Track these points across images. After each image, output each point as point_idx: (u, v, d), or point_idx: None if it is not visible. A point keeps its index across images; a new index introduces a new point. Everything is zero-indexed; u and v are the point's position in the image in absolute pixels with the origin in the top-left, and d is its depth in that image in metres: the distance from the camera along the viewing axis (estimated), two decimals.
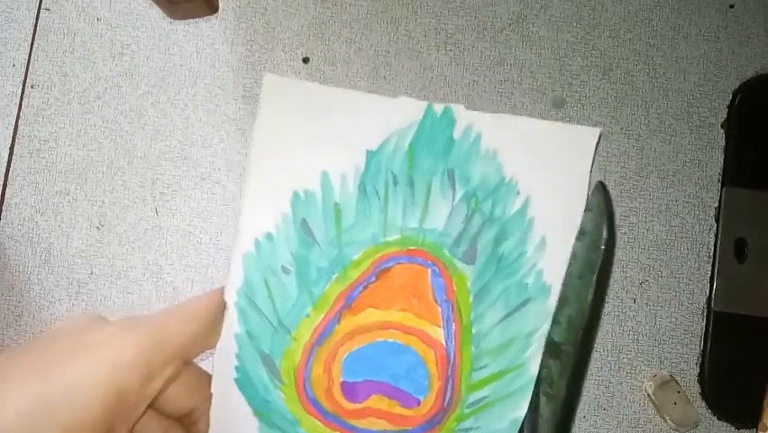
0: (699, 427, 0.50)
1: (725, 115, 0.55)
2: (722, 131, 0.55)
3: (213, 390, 0.29)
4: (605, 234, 0.29)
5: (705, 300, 0.52)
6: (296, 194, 0.30)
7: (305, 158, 0.31)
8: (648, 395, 0.51)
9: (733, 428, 0.51)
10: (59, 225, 0.53)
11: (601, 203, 0.30)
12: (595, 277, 0.29)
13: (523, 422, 0.29)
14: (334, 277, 0.30)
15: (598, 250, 0.29)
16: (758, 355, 0.51)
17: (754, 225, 0.53)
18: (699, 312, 0.52)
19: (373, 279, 0.30)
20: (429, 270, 0.30)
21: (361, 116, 0.32)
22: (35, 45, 0.56)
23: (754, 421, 0.48)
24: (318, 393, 0.30)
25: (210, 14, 0.56)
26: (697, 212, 0.53)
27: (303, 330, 0.30)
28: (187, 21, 0.56)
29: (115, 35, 0.56)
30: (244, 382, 0.30)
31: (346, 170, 0.31)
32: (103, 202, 0.54)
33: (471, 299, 0.30)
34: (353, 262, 0.30)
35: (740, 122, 0.54)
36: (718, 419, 0.51)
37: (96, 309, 0.52)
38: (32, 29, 0.56)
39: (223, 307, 0.29)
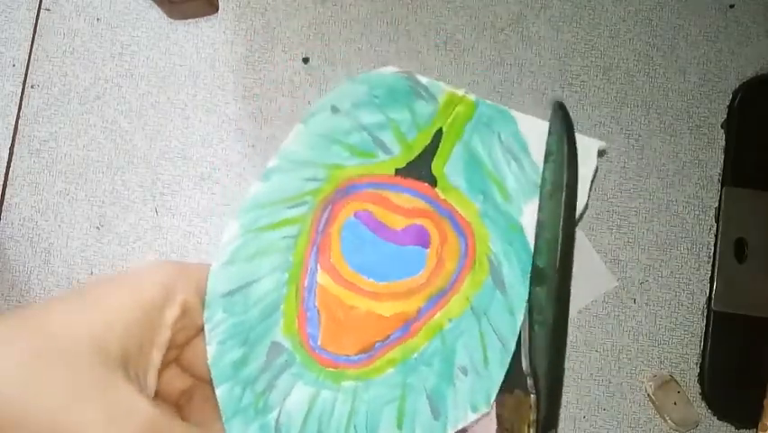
0: (699, 427, 0.50)
1: (725, 115, 0.55)
2: (722, 131, 0.55)
3: None
4: (566, 151, 0.30)
5: (705, 300, 0.52)
6: None
7: None
8: (648, 395, 0.51)
9: (733, 428, 0.51)
10: (59, 225, 0.53)
11: (561, 124, 0.31)
12: (564, 194, 0.30)
13: (518, 354, 0.31)
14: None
15: (563, 168, 0.30)
16: (758, 355, 0.51)
17: (754, 225, 0.53)
18: (699, 312, 0.52)
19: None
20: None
21: None
22: (35, 45, 0.56)
23: (754, 421, 0.48)
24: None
25: (210, 14, 0.56)
26: (697, 212, 0.53)
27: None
28: (187, 21, 0.56)
29: (115, 35, 0.56)
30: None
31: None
32: (103, 202, 0.54)
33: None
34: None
35: (740, 122, 0.54)
36: (718, 419, 0.51)
37: None
38: (32, 29, 0.56)
39: None
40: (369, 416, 0.29)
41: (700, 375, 0.51)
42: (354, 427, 0.29)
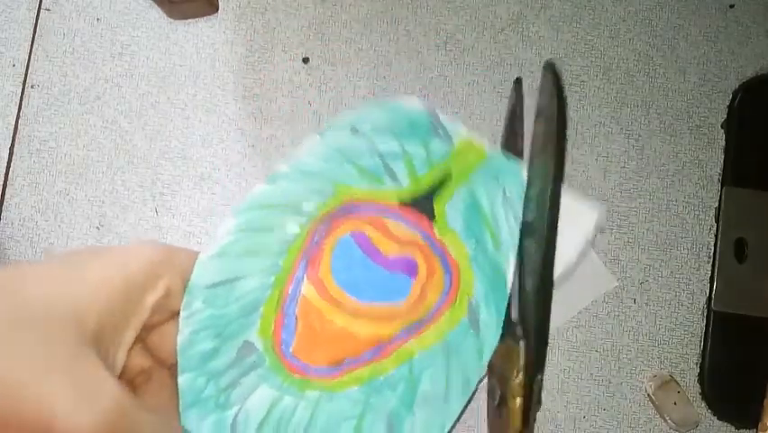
0: (699, 427, 0.50)
1: (725, 115, 0.55)
2: (722, 131, 0.55)
3: None
4: (556, 106, 0.31)
5: (705, 300, 0.52)
6: None
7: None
8: (648, 395, 0.51)
9: (733, 428, 0.51)
10: (59, 225, 0.53)
11: (551, 81, 0.32)
12: (553, 147, 0.30)
13: (508, 305, 0.32)
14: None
15: (552, 122, 0.31)
16: (758, 355, 0.51)
17: (754, 225, 0.53)
18: (699, 312, 0.52)
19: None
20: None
21: None
22: (35, 45, 0.56)
23: (755, 421, 0.48)
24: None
25: (210, 14, 0.56)
26: (697, 212, 0.53)
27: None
28: (187, 21, 0.56)
29: (115, 35, 0.56)
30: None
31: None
32: (103, 202, 0.54)
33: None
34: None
35: (740, 122, 0.54)
36: (719, 419, 0.51)
37: None
38: (32, 29, 0.56)
39: None
40: (326, 428, 0.30)
41: (700, 375, 0.51)
42: None
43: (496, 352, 0.32)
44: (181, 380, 0.28)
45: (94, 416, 0.22)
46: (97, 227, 0.53)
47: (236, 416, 0.29)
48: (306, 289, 0.31)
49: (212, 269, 0.30)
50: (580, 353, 0.51)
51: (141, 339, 0.29)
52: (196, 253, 0.30)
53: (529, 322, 0.30)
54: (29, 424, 0.21)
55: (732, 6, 0.56)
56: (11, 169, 0.54)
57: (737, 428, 0.51)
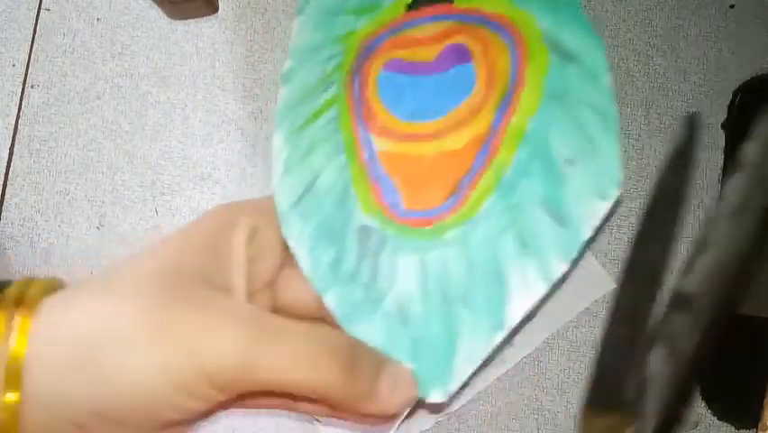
0: (698, 427, 0.50)
1: (725, 115, 0.55)
2: (722, 131, 0.55)
3: None
4: None
5: None
6: None
7: None
8: None
9: (733, 429, 0.51)
10: (59, 225, 0.53)
11: None
12: (760, 215, 0.23)
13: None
14: None
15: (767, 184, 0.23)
16: (758, 355, 0.51)
17: None
18: None
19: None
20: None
21: None
22: (35, 45, 0.56)
23: (755, 421, 0.48)
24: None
25: (210, 14, 0.56)
26: (697, 212, 0.53)
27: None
28: (187, 21, 0.56)
29: (115, 35, 0.56)
30: None
31: None
32: (103, 202, 0.54)
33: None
34: None
35: (740, 122, 0.54)
36: (718, 419, 0.51)
37: None
38: (32, 29, 0.56)
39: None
40: (487, 257, 0.25)
41: (701, 375, 0.51)
42: (479, 274, 0.25)
43: (591, 426, 0.24)
44: (327, 301, 0.26)
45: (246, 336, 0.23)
46: (97, 227, 0.53)
47: (397, 300, 0.26)
48: (378, 143, 0.28)
49: (288, 188, 0.28)
50: (580, 353, 0.51)
51: (271, 300, 0.28)
52: (259, 198, 0.29)
53: (654, 402, 0.23)
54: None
55: (732, 6, 0.56)
56: (11, 169, 0.54)
57: (737, 428, 0.51)
